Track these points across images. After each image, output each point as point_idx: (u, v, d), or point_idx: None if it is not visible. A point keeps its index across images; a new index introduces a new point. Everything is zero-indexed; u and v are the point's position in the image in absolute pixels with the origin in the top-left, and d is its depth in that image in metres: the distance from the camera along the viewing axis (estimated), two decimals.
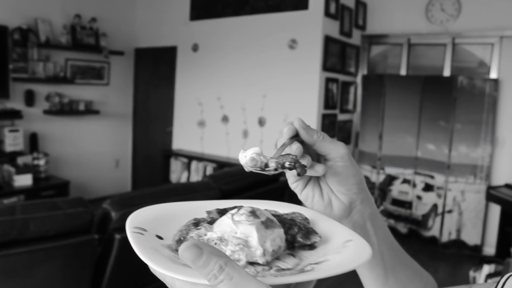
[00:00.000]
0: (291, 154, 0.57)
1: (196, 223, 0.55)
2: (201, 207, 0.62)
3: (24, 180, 5.53)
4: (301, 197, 0.68)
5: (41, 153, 5.93)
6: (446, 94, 5.31)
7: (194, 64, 6.40)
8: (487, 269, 4.00)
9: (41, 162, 5.89)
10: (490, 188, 4.97)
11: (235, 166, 4.66)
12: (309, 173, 0.63)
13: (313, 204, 0.67)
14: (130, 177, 7.75)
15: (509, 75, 5.20)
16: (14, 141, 5.71)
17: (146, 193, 2.90)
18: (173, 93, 6.76)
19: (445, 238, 5.43)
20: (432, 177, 5.47)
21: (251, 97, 5.83)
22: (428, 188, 5.50)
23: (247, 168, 0.57)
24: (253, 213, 0.52)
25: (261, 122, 5.74)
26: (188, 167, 6.27)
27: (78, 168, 6.77)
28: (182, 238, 0.53)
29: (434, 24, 5.53)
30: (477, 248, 5.33)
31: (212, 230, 0.52)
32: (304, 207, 0.66)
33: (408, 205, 5.63)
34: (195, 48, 6.38)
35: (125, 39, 7.23)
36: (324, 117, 5.47)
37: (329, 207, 0.67)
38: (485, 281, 3.86)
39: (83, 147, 6.85)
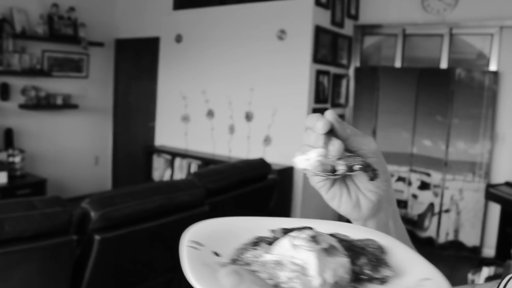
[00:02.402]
0: (358, 156, 0.57)
1: (257, 242, 0.54)
2: (265, 224, 0.59)
3: None
4: (326, 196, 0.66)
5: (16, 149, 5.92)
6: (443, 87, 5.34)
7: (177, 56, 6.40)
8: (486, 271, 4.02)
9: (17, 159, 5.87)
10: (489, 186, 5.00)
11: (221, 163, 4.67)
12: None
13: (341, 204, 0.66)
14: (110, 175, 7.74)
15: (509, 67, 5.24)
16: None
17: (127, 191, 2.89)
18: (156, 87, 6.76)
19: (442, 239, 5.46)
20: (428, 174, 5.50)
21: (237, 90, 5.84)
22: (424, 186, 5.53)
23: (313, 173, 0.56)
24: (314, 238, 0.49)
25: (248, 116, 5.75)
26: (171, 164, 6.27)
27: (55, 165, 6.76)
28: (237, 258, 0.51)
29: (431, 13, 5.55)
30: (476, 250, 5.37)
31: (270, 252, 0.50)
32: (381, 233, 0.61)
33: (403, 204, 5.66)
34: (178, 39, 6.37)
35: (105, 29, 7.22)
36: (315, 111, 5.42)
37: (357, 206, 0.66)
38: None
39: (61, 143, 6.84)
